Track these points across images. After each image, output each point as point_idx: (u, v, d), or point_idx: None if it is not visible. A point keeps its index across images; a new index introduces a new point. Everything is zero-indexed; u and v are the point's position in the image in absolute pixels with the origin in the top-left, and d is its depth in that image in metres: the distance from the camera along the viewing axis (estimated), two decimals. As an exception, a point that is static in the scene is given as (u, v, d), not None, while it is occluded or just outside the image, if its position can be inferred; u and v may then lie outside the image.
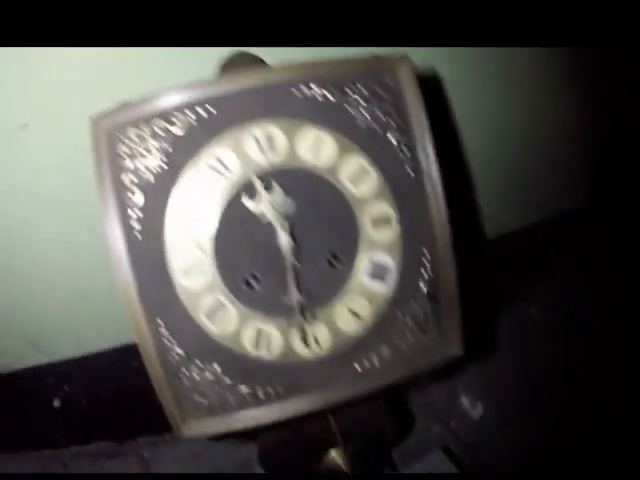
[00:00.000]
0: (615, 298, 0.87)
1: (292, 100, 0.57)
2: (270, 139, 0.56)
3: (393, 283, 0.57)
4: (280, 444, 0.69)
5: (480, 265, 0.82)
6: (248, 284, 0.56)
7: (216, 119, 0.56)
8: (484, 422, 0.77)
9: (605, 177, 1.02)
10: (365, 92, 0.58)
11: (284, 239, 0.54)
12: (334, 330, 0.56)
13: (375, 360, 0.58)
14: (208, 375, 0.56)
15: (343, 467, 0.72)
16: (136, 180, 0.55)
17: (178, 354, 0.56)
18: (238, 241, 0.56)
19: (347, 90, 0.58)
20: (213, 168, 0.55)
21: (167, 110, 0.55)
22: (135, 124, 0.55)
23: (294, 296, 0.54)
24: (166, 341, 0.56)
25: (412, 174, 0.58)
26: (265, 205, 0.55)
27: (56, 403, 0.77)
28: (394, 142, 0.58)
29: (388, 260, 0.57)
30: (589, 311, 0.86)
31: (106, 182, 0.55)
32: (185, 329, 0.56)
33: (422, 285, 0.58)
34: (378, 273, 0.57)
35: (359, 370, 0.58)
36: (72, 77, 0.69)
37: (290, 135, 0.56)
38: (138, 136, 0.55)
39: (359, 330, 0.57)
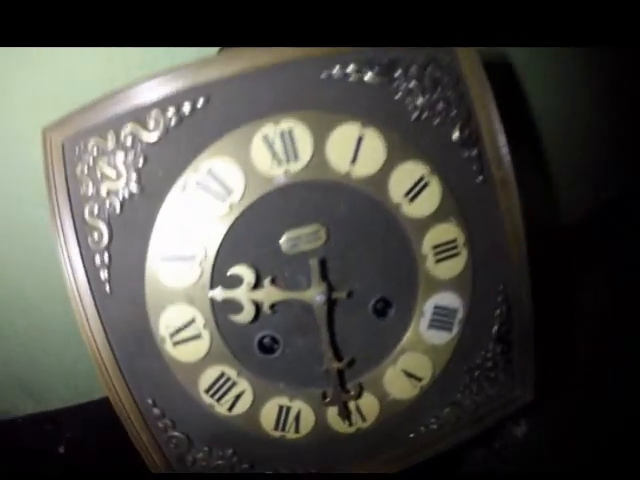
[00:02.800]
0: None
1: (321, 86, 0.39)
2: (289, 140, 0.38)
3: (460, 330, 0.43)
4: None
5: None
6: (264, 349, 0.40)
7: (209, 117, 0.38)
8: (530, 441, 0.69)
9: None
10: (418, 74, 0.40)
11: (314, 284, 0.38)
12: (384, 398, 0.42)
13: (433, 424, 0.45)
14: (219, 462, 0.42)
15: None
16: (97, 211, 0.38)
17: (177, 438, 0.41)
18: (235, 294, 0.39)
19: (396, 73, 0.40)
20: (207, 188, 0.38)
21: (138, 109, 0.37)
22: (96, 131, 0.37)
23: (330, 363, 0.39)
24: (160, 424, 0.41)
25: (481, 180, 0.43)
26: (287, 237, 0.39)
27: (61, 449, 0.67)
28: (458, 139, 0.41)
29: (455, 301, 0.42)
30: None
31: (63, 217, 0.38)
32: (184, 409, 0.41)
33: (494, 328, 0.44)
34: (442, 320, 0.42)
35: (413, 438, 0.45)
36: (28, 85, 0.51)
37: (317, 133, 0.38)
38: (99, 148, 0.37)
39: (415, 393, 0.43)
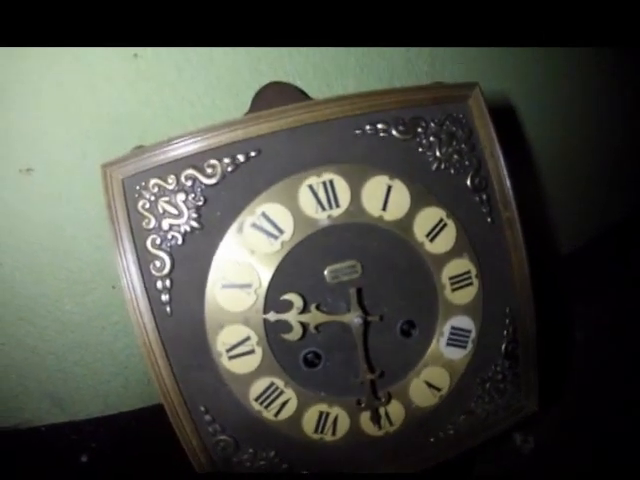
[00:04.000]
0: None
1: (355, 142, 0.47)
2: (330, 189, 0.46)
3: (473, 348, 0.50)
4: None
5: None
6: (308, 363, 0.47)
7: (261, 166, 0.45)
8: (536, 457, 0.74)
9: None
10: (437, 130, 0.48)
11: (353, 309, 0.46)
12: (408, 405, 0.49)
13: (450, 430, 0.52)
14: (262, 463, 0.49)
15: None
16: (159, 242, 0.45)
17: (225, 441, 0.48)
18: (286, 316, 0.46)
19: (418, 129, 0.48)
20: (261, 229, 0.45)
21: (196, 155, 0.44)
22: (156, 173, 0.44)
23: (365, 375, 0.47)
24: (210, 428, 0.48)
25: (489, 220, 0.50)
26: (329, 270, 0.47)
27: (84, 458, 0.71)
28: (470, 186, 0.49)
29: (469, 323, 0.50)
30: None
31: (124, 243, 0.44)
32: (233, 415, 0.48)
33: (503, 346, 0.52)
34: (458, 339, 0.50)
35: (433, 442, 0.52)
36: (85, 118, 0.56)
37: (354, 184, 0.46)
38: (161, 188, 0.44)
39: (435, 402, 0.50)
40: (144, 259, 0.45)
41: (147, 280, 0.45)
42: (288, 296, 0.46)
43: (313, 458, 0.50)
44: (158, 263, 0.45)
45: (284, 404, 0.47)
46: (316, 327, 0.46)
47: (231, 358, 0.46)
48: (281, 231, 0.45)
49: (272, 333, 0.46)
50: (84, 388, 0.67)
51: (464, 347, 0.50)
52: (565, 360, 0.82)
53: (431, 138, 0.48)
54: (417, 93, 0.48)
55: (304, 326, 0.46)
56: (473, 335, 0.50)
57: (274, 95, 0.53)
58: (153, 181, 0.44)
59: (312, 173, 0.46)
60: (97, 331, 0.66)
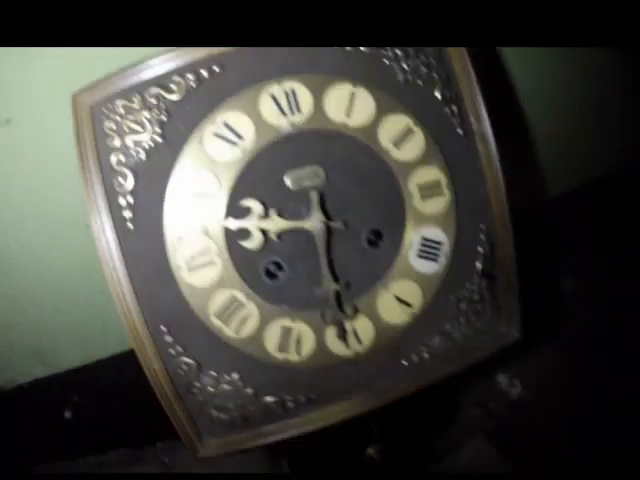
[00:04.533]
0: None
1: (317, 53, 0.46)
2: (292, 97, 0.45)
3: (446, 262, 0.48)
4: (313, 448, 0.60)
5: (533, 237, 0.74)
6: (270, 274, 0.46)
7: (222, 80, 0.45)
8: (524, 402, 0.70)
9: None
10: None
11: (315, 217, 0.44)
12: (378, 322, 0.47)
13: (425, 353, 0.49)
14: (226, 387, 0.47)
15: (380, 463, 0.65)
16: (124, 160, 0.44)
17: (187, 364, 0.46)
18: (247, 224, 0.44)
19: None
20: (222, 137, 0.44)
21: (161, 75, 0.44)
22: (123, 95, 0.44)
23: (329, 285, 0.45)
24: (172, 350, 0.46)
25: (461, 132, 0.48)
26: (291, 176, 0.45)
27: (67, 414, 0.69)
28: (439, 97, 0.48)
29: (440, 235, 0.47)
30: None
31: (90, 166, 0.44)
32: (194, 334, 0.46)
33: (478, 263, 0.49)
34: (429, 252, 0.47)
35: (406, 366, 0.49)
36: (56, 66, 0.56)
37: (317, 92, 0.45)
38: (126, 108, 0.44)
39: (407, 320, 0.48)
40: (108, 177, 0.45)
41: (111, 197, 0.45)
42: (248, 202, 0.44)
43: (279, 381, 0.47)
44: (122, 180, 0.44)
45: (245, 319, 0.45)
46: (277, 235, 0.44)
47: (190, 270, 0.45)
48: (241, 138, 0.45)
49: (233, 243, 0.45)
50: (64, 337, 0.66)
51: (436, 260, 0.47)
52: (554, 307, 0.79)
53: (397, 50, 0.47)
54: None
55: (265, 233, 0.44)
56: (445, 248, 0.48)
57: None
58: (119, 102, 0.44)
59: (274, 82, 0.45)
60: (72, 274, 0.64)
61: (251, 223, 0.44)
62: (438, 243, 0.47)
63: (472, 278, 0.49)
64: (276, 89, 0.45)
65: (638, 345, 0.72)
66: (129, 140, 0.44)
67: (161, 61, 0.44)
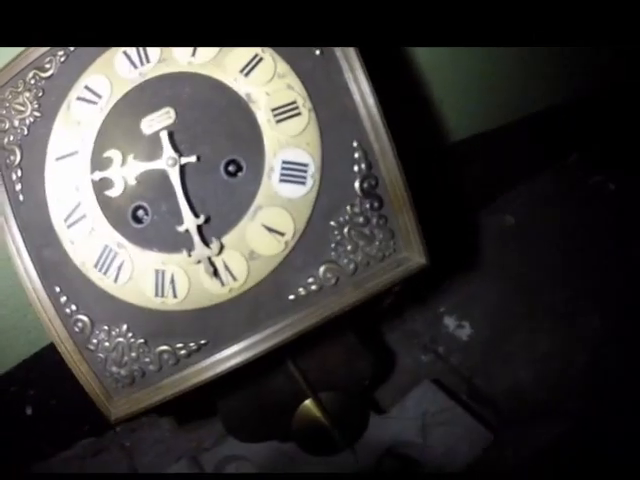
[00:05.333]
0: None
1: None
2: (142, 50, 0.47)
3: (314, 184, 0.45)
4: (243, 407, 0.58)
5: (445, 166, 0.67)
6: (136, 219, 0.46)
7: (85, 50, 0.48)
8: (475, 343, 0.62)
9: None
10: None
11: (165, 152, 0.44)
12: (250, 255, 0.45)
13: (312, 285, 0.45)
14: (118, 339, 0.47)
15: (321, 418, 0.60)
16: (12, 138, 0.49)
17: (81, 321, 0.47)
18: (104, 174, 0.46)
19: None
20: (84, 99, 0.47)
21: (36, 58, 0.48)
22: (10, 83, 0.49)
23: (190, 222, 0.44)
24: (67, 309, 0.47)
25: (318, 53, 0.46)
26: (144, 121, 0.46)
27: (28, 411, 0.72)
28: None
29: (304, 156, 0.45)
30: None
31: None
32: (82, 290, 0.47)
33: (356, 184, 0.46)
34: (293, 174, 0.45)
35: (293, 299, 0.46)
36: None
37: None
38: (13, 93, 0.49)
39: (282, 250, 0.45)
40: (2, 156, 0.49)
41: (5, 174, 0.49)
42: (108, 153, 0.46)
43: (166, 328, 0.46)
44: (12, 156, 0.49)
45: (120, 267, 0.46)
46: (136, 178, 0.45)
47: (69, 227, 0.47)
48: (99, 96, 0.47)
49: (100, 195, 0.46)
50: (8, 330, 0.68)
51: (302, 183, 0.44)
52: (497, 244, 0.69)
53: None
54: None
55: (125, 180, 0.45)
56: (312, 169, 0.45)
57: None
58: (7, 90, 0.49)
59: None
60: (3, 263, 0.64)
61: (112, 172, 0.45)
62: (302, 165, 0.45)
63: (352, 200, 0.45)
64: (128, 48, 0.47)
65: (584, 276, 0.62)
66: (16, 120, 0.49)
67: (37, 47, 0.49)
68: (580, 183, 0.78)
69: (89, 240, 0.46)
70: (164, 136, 0.44)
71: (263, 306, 0.46)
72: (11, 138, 0.49)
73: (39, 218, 0.48)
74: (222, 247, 0.45)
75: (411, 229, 0.46)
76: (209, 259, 0.44)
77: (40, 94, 0.49)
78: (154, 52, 0.47)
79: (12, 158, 0.49)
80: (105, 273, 0.46)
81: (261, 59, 0.46)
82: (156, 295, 0.45)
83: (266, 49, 0.46)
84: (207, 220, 0.44)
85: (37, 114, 0.48)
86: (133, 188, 0.45)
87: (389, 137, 0.46)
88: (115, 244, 0.46)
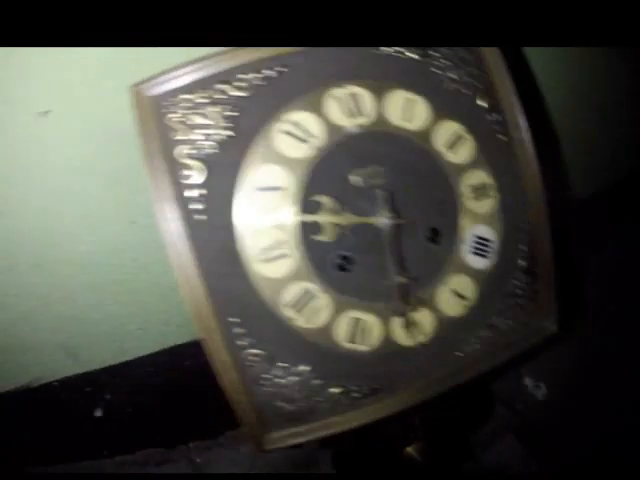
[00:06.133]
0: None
1: (374, 60, 0.50)
2: (355, 100, 0.49)
3: (495, 258, 0.52)
4: (358, 444, 0.61)
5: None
6: (340, 267, 0.48)
7: (287, 80, 0.48)
8: (549, 403, 0.74)
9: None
10: (449, 54, 0.52)
11: (383, 214, 0.47)
12: (437, 313, 0.50)
13: (476, 344, 0.52)
14: (294, 378, 0.48)
15: (420, 461, 0.66)
16: (194, 153, 0.46)
17: (257, 355, 0.47)
18: (321, 218, 0.47)
19: (430, 52, 0.52)
20: (292, 134, 0.47)
21: (223, 71, 0.46)
22: (187, 89, 0.46)
23: (395, 278, 0.48)
24: (241, 342, 0.47)
25: (504, 139, 0.53)
26: (356, 174, 0.48)
27: (98, 413, 0.67)
28: (484, 106, 0.53)
29: (490, 233, 0.52)
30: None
31: (156, 158, 0.45)
32: (265, 325, 0.47)
33: (520, 260, 0.54)
34: (481, 248, 0.51)
35: (460, 357, 0.52)
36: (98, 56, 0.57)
37: (377, 97, 0.49)
38: (191, 102, 0.46)
39: (462, 312, 0.51)
40: (174, 169, 0.46)
41: (178, 190, 0.45)
42: (318, 197, 0.47)
43: (346, 372, 0.48)
44: (189, 172, 0.46)
45: (317, 310, 0.47)
46: (347, 229, 0.47)
47: (264, 262, 0.46)
48: (311, 136, 0.48)
49: (306, 237, 0.47)
50: (99, 334, 0.65)
51: (487, 257, 0.51)
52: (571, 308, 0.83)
53: (444, 60, 0.52)
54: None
55: (335, 228, 0.47)
56: (495, 246, 0.52)
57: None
58: (184, 96, 0.46)
59: (337, 85, 0.48)
60: (114, 270, 0.64)
61: (322, 217, 0.47)
62: (488, 241, 0.52)
63: (516, 274, 0.54)
64: (340, 92, 0.49)
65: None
66: (197, 133, 0.46)
67: (224, 58, 0.47)
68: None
69: (286, 280, 0.46)
70: (382, 195, 0.47)
71: (434, 359, 0.51)
72: (189, 151, 0.46)
73: (224, 246, 0.46)
74: (418, 304, 0.49)
75: (553, 302, 0.55)
76: (405, 314, 0.48)
77: (233, 113, 0.46)
78: (368, 106, 0.49)
79: (191, 174, 0.45)
80: (298, 314, 0.47)
81: (462, 137, 0.51)
82: (348, 341, 0.48)
83: (467, 129, 0.52)
84: (410, 279, 0.48)
85: (229, 134, 0.46)
86: (343, 237, 0.47)
87: (548, 224, 0.55)
88: (316, 288, 0.47)
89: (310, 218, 0.46)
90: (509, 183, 0.53)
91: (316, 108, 0.48)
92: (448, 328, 0.51)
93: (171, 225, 0.45)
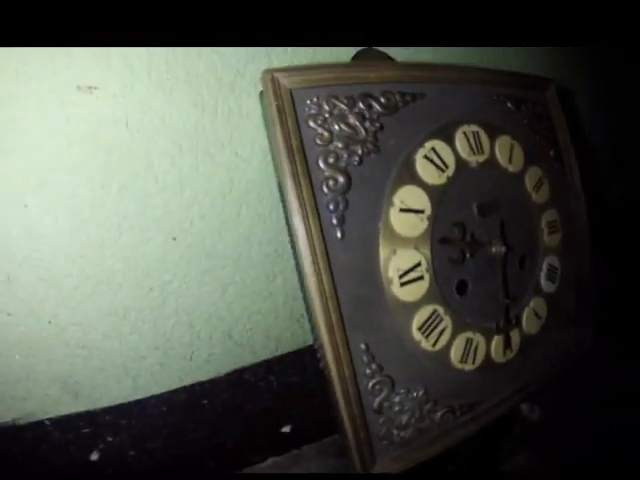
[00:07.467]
0: None
1: (491, 105, 0.56)
2: (477, 138, 0.53)
3: (560, 284, 0.61)
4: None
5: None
6: (458, 290, 0.51)
7: (425, 107, 0.50)
8: (545, 424, 0.76)
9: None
10: (533, 109, 0.61)
11: (500, 242, 0.52)
12: (522, 332, 0.57)
13: (541, 360, 0.60)
14: (410, 403, 0.48)
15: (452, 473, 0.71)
16: (334, 160, 0.44)
17: (381, 383, 0.46)
18: (453, 243, 0.50)
19: (523, 107, 0.60)
20: (431, 161, 0.49)
21: (367, 84, 0.47)
22: (331, 92, 0.44)
23: (503, 300, 0.53)
24: (367, 370, 0.45)
25: (563, 183, 0.63)
26: (477, 205, 0.52)
27: (93, 456, 0.53)
28: (553, 155, 0.62)
29: (558, 262, 0.61)
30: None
31: (295, 157, 0.42)
32: (392, 351, 0.47)
33: (574, 283, 0.63)
34: (552, 275, 0.60)
35: (530, 371, 0.59)
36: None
37: (491, 137, 0.55)
38: (335, 106, 0.44)
39: (538, 331, 0.58)
40: (316, 176, 0.44)
41: (319, 198, 0.43)
42: (450, 224, 0.50)
43: (455, 391, 0.51)
44: (332, 182, 0.44)
45: (441, 332, 0.49)
46: (472, 254, 0.51)
47: (402, 285, 0.47)
48: (446, 166, 0.51)
49: (437, 260, 0.49)
50: (110, 368, 0.53)
51: (555, 282, 0.60)
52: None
53: (530, 115, 0.60)
54: (514, 76, 0.61)
55: (463, 253, 0.50)
56: (559, 273, 0.61)
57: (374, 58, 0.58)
58: (327, 98, 0.45)
59: (465, 122, 0.53)
60: (142, 293, 0.53)
61: (455, 243, 0.50)
62: (557, 269, 0.61)
63: (570, 295, 0.63)
64: (467, 129, 0.53)
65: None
66: (340, 141, 0.45)
67: (370, 68, 0.47)
68: None
69: (419, 302, 0.48)
70: (500, 226, 0.52)
71: (516, 372, 0.57)
72: (331, 159, 0.44)
73: (362, 265, 0.45)
74: (516, 323, 0.54)
75: (592, 319, 0.66)
76: (508, 332, 0.53)
77: (377, 128, 0.47)
78: (486, 147, 0.54)
79: (333, 184, 0.44)
80: (427, 337, 0.48)
81: (543, 182, 0.60)
82: (460, 361, 0.51)
83: (544, 175, 0.60)
84: (513, 300, 0.54)
85: (373, 148, 0.46)
86: (467, 263, 0.50)
87: (591, 249, 0.66)
88: (442, 310, 0.49)
89: (445, 242, 0.49)
90: (566, 219, 0.63)
91: (450, 140, 0.51)
92: (527, 345, 0.58)
93: (306, 238, 0.42)
